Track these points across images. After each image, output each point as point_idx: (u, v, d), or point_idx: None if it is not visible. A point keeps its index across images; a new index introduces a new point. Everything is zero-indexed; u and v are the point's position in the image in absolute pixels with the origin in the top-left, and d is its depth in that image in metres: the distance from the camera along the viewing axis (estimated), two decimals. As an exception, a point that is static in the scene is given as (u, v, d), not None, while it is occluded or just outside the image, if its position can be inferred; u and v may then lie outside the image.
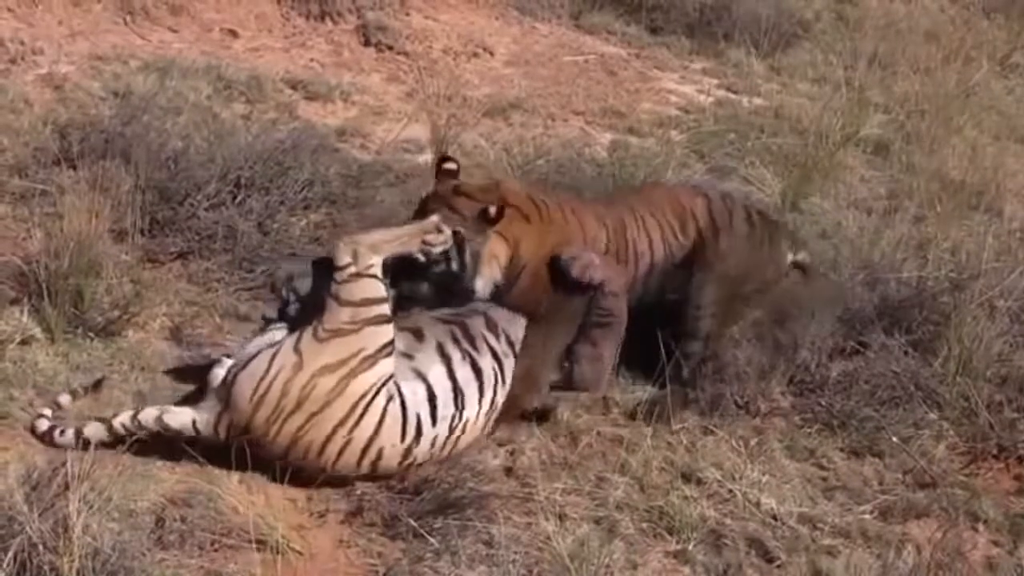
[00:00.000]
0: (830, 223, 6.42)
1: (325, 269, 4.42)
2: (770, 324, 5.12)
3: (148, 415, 4.22)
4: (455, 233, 4.62)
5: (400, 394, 4.30)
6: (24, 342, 4.64)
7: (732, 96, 8.13)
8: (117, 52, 7.00)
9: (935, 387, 5.07)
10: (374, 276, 4.34)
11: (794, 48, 8.90)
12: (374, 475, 4.29)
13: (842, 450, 4.87)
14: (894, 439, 4.88)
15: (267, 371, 4.19)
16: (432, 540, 4.04)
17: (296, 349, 4.23)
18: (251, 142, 5.84)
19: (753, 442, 4.77)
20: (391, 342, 4.31)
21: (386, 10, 8.02)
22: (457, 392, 4.43)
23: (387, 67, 7.65)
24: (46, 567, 3.54)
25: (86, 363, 4.63)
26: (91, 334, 4.74)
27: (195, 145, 5.69)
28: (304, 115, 6.78)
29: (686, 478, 4.55)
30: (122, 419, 4.21)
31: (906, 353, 5.15)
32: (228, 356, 4.36)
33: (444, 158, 5.04)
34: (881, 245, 5.84)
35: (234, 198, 5.48)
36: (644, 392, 4.96)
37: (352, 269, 4.31)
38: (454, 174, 4.89)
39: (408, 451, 4.30)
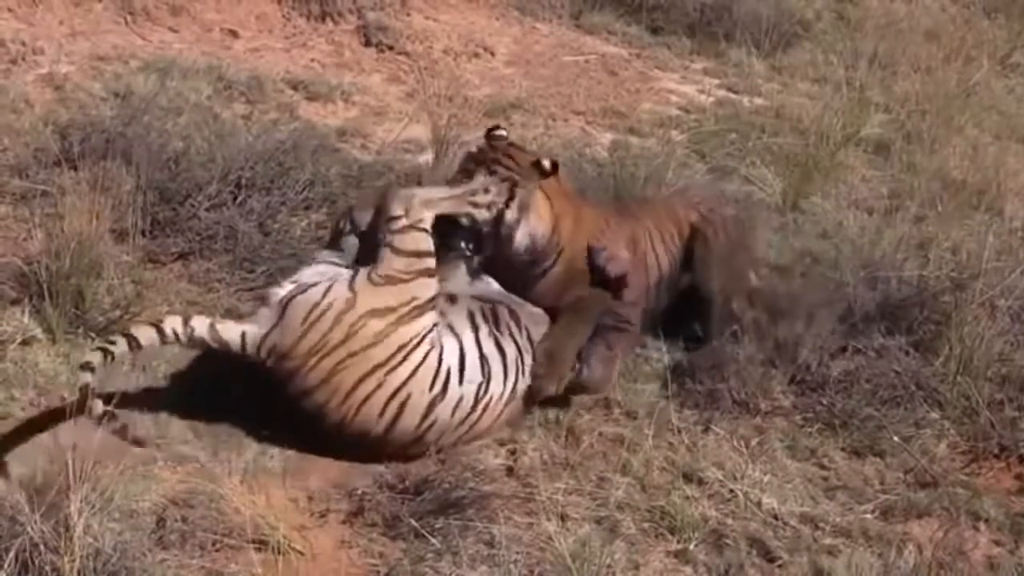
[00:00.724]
0: (831, 223, 6.42)
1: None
2: (768, 321, 5.14)
3: (200, 323, 4.33)
4: (506, 180, 4.74)
5: (440, 345, 4.45)
6: (25, 342, 4.64)
7: (733, 96, 8.13)
8: (118, 52, 7.00)
9: (936, 386, 5.07)
10: (424, 230, 4.50)
11: (795, 48, 8.90)
12: (392, 432, 4.35)
13: (843, 449, 4.87)
14: (895, 438, 4.88)
15: (320, 302, 4.34)
16: (433, 540, 4.04)
17: (351, 287, 4.38)
18: (252, 142, 5.84)
19: (754, 442, 4.78)
20: (436, 296, 4.50)
21: (387, 10, 8.02)
22: (484, 361, 4.54)
23: (388, 67, 7.65)
24: (47, 567, 3.55)
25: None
26: (92, 334, 4.73)
27: (196, 145, 5.70)
28: (305, 115, 6.78)
29: (687, 478, 4.55)
30: (173, 324, 4.30)
31: (907, 352, 5.16)
32: (290, 280, 4.48)
33: (495, 127, 5.11)
34: (882, 245, 5.84)
35: (235, 198, 5.48)
36: (645, 393, 4.97)
37: (404, 221, 4.47)
38: (504, 139, 4.99)
39: (432, 405, 4.39)
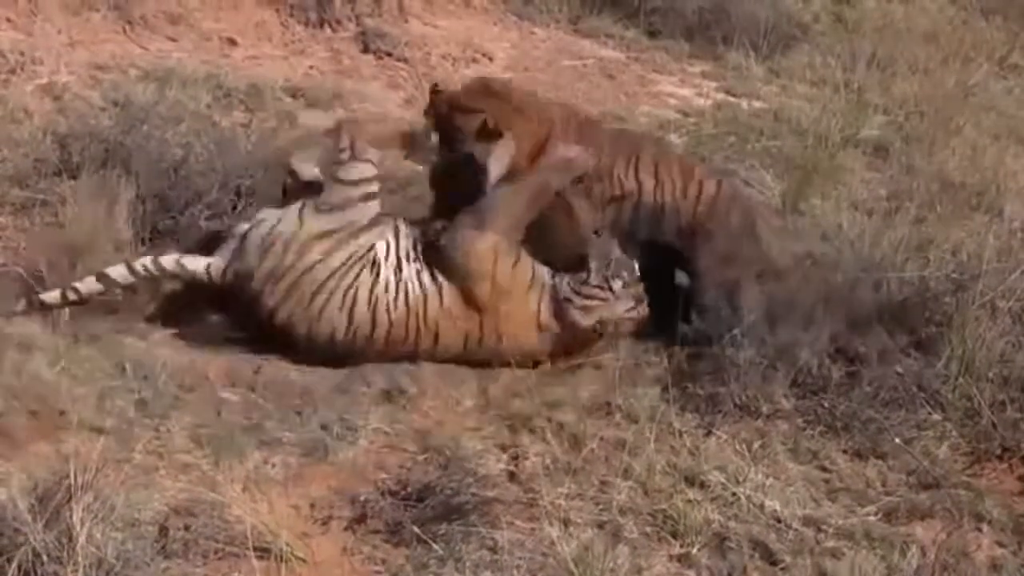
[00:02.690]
0: (830, 225, 6.41)
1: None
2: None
3: (168, 259, 4.93)
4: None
5: (375, 255, 5.04)
6: (26, 351, 4.64)
7: (731, 99, 8.14)
8: (116, 62, 7.01)
9: (938, 388, 5.07)
10: (368, 160, 5.11)
11: (793, 50, 8.91)
12: (352, 327, 4.94)
13: (845, 452, 4.87)
14: (897, 440, 4.87)
15: (272, 231, 4.94)
16: (436, 546, 4.04)
17: (300, 216, 4.98)
18: (251, 150, 5.85)
19: (756, 445, 4.78)
20: (377, 215, 5.09)
21: (385, 17, 8.03)
22: (408, 256, 5.12)
23: (386, 74, 7.66)
24: (50, 577, 3.55)
25: (87, 372, 4.63)
26: (93, 343, 4.73)
27: (195, 154, 5.69)
28: (304, 123, 6.79)
29: (690, 481, 4.55)
30: (143, 261, 4.90)
31: (908, 354, 5.16)
32: (248, 219, 5.06)
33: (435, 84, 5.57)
34: (882, 246, 5.83)
35: (235, 207, 5.48)
36: (646, 397, 4.97)
37: (347, 154, 5.08)
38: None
39: (372, 292, 4.97)
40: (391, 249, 5.09)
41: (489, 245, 5.09)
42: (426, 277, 5.08)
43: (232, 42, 7.60)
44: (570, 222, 5.35)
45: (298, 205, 5.01)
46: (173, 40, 7.46)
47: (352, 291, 4.96)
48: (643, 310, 5.26)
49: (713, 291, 5.33)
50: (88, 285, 4.81)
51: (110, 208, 4.99)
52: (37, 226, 5.23)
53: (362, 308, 4.96)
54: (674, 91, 8.16)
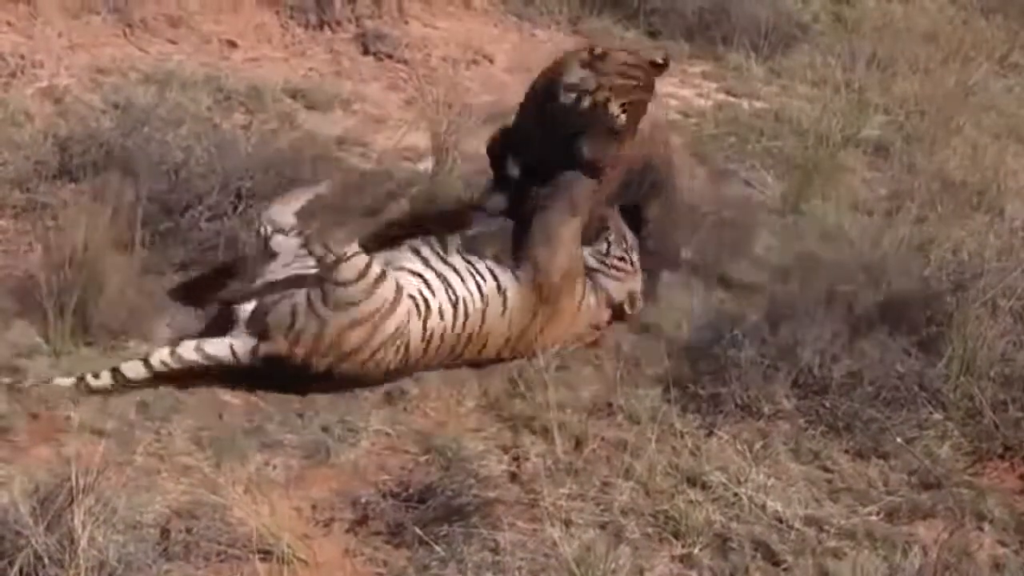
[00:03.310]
0: (831, 225, 6.41)
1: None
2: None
3: (186, 347, 4.59)
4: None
5: (417, 306, 4.79)
6: (26, 355, 4.65)
7: (732, 99, 8.13)
8: (117, 64, 7.00)
9: (939, 387, 5.07)
10: (356, 253, 4.70)
11: (793, 50, 8.89)
12: (404, 362, 4.77)
13: (847, 452, 4.87)
14: (898, 440, 4.88)
15: (295, 322, 4.62)
16: (438, 548, 4.04)
17: (317, 312, 4.64)
18: (252, 152, 5.84)
19: (758, 445, 4.78)
20: (398, 287, 4.77)
21: (385, 18, 8.02)
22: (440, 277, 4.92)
23: (386, 75, 7.66)
24: (52, 580, 3.55)
25: (89, 375, 4.63)
26: (94, 347, 4.74)
27: (196, 156, 5.69)
28: (304, 124, 6.79)
29: (691, 482, 4.55)
30: (160, 355, 4.55)
31: (909, 354, 5.15)
32: (244, 294, 4.74)
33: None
34: (883, 246, 5.84)
35: (235, 208, 5.48)
36: (647, 397, 4.97)
37: (331, 258, 4.67)
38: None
39: (425, 326, 4.79)
40: (433, 284, 4.89)
41: (574, 230, 5.04)
42: (484, 281, 4.98)
43: (232, 44, 7.59)
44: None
45: (305, 296, 4.67)
46: (173, 43, 7.46)
47: (404, 340, 4.78)
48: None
49: None
50: (101, 381, 4.52)
51: (111, 211, 4.98)
52: (38, 229, 5.22)
53: (416, 344, 4.81)
54: (674, 91, 8.14)
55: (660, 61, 5.12)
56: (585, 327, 5.23)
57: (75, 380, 4.50)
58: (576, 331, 5.19)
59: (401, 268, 4.90)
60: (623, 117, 4.99)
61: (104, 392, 4.50)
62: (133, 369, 4.55)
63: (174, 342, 4.65)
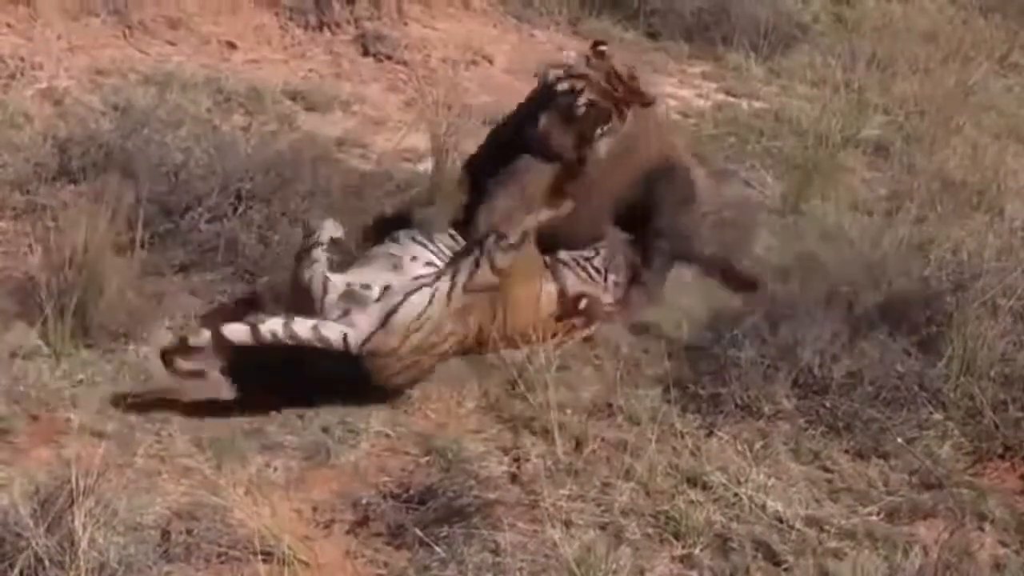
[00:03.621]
0: (831, 225, 6.42)
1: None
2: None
3: (302, 325, 4.55)
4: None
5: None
6: (26, 357, 4.64)
7: (731, 99, 8.14)
8: (116, 66, 7.01)
9: (939, 387, 5.06)
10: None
11: (793, 51, 8.91)
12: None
13: (847, 452, 4.87)
14: (899, 440, 4.87)
15: (422, 313, 4.75)
16: (438, 549, 4.04)
17: (447, 295, 4.82)
18: (251, 154, 5.84)
19: (758, 445, 4.77)
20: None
21: (384, 20, 8.02)
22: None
23: (386, 76, 7.67)
24: (53, 582, 3.55)
25: (89, 378, 4.63)
26: (94, 348, 4.74)
27: (195, 158, 5.70)
28: (304, 126, 6.79)
29: (691, 482, 4.55)
30: (272, 325, 4.52)
31: (909, 354, 5.14)
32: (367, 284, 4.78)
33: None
34: (883, 246, 5.84)
35: (235, 210, 5.48)
36: (647, 398, 4.97)
37: (513, 241, 4.94)
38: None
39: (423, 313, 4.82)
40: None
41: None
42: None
43: (231, 46, 7.60)
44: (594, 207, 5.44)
45: (432, 288, 4.82)
46: (172, 44, 7.46)
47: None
48: (606, 318, 5.39)
49: None
50: (201, 338, 4.51)
51: (110, 212, 4.99)
52: (38, 231, 5.22)
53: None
54: (674, 92, 8.15)
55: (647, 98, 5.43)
56: (547, 315, 5.29)
57: (177, 341, 4.54)
58: (541, 318, 5.24)
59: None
60: (583, 109, 5.22)
61: (197, 350, 4.49)
62: (237, 333, 4.52)
63: (289, 316, 4.59)
